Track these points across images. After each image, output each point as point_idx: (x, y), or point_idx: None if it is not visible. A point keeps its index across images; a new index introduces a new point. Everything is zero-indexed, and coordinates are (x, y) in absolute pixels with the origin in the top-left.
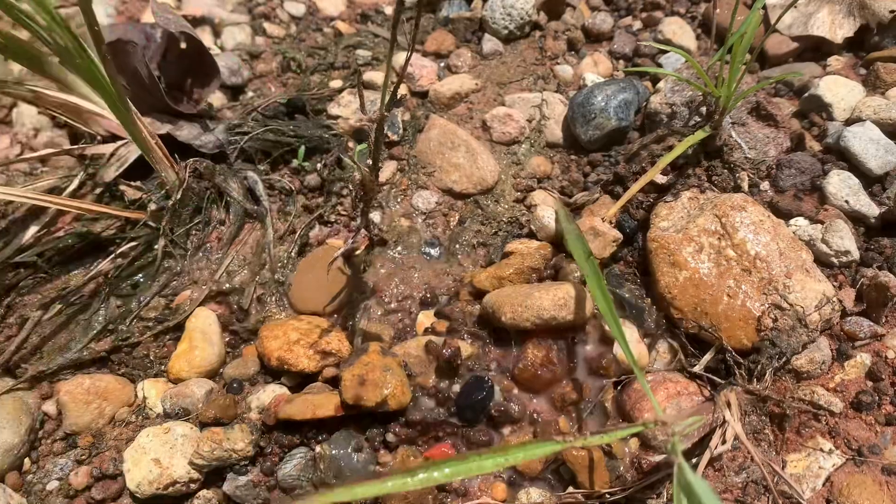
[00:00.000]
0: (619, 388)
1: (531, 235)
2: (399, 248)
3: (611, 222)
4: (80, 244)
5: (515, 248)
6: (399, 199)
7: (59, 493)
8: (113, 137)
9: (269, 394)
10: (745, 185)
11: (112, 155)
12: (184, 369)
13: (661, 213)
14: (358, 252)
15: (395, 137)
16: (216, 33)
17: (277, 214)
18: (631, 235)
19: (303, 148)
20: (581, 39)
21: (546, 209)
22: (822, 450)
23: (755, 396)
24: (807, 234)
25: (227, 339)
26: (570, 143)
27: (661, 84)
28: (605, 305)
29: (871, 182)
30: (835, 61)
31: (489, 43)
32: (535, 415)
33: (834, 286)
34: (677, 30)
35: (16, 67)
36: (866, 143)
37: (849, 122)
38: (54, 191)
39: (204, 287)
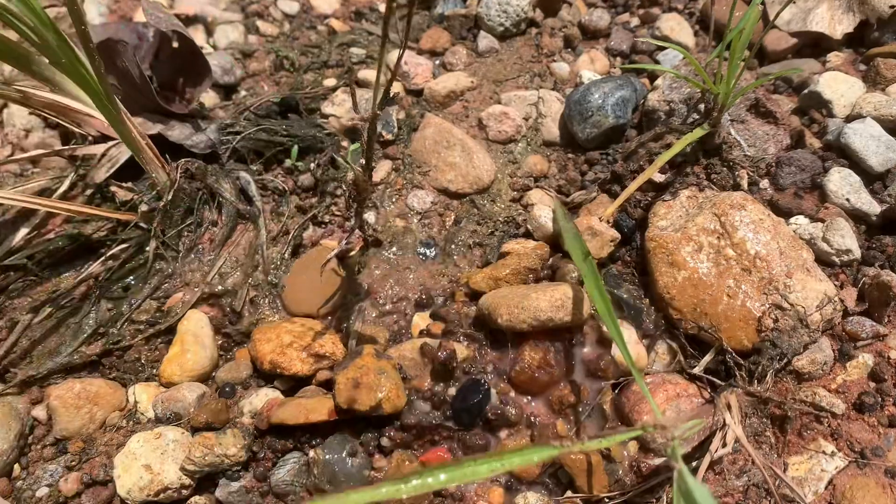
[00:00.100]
0: (617, 390)
1: (528, 235)
2: (394, 249)
3: (608, 222)
4: (71, 246)
5: (512, 248)
6: (394, 199)
7: (49, 499)
8: (104, 138)
9: (262, 398)
10: (745, 184)
11: (103, 156)
12: (175, 373)
13: (659, 212)
14: (352, 253)
15: (389, 136)
16: (209, 32)
17: (270, 215)
18: (629, 235)
19: (296, 147)
20: (578, 36)
21: (543, 208)
22: (824, 452)
23: (756, 398)
24: (807, 233)
25: (219, 342)
26: (567, 141)
27: (658, 81)
28: (602, 306)
29: (872, 179)
30: (834, 57)
31: (485, 40)
32: (532, 418)
33: (835, 286)
34: (675, 26)
35: (6, 68)
36: (867, 139)
37: (849, 119)
38: (45, 192)
39: (196, 289)
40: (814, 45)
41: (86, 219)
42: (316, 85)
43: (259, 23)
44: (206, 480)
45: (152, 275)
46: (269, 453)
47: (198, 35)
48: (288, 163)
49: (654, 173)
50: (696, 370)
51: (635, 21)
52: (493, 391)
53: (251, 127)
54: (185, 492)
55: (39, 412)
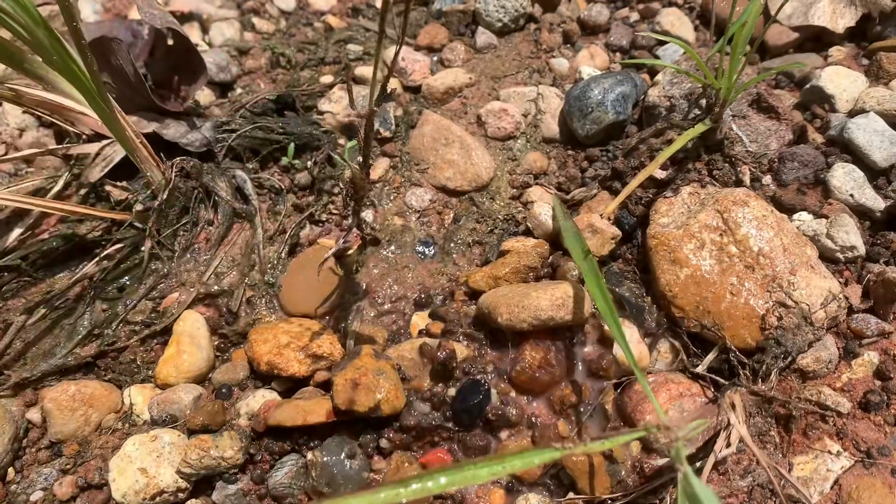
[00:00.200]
0: (619, 389)
1: (528, 233)
2: (392, 248)
3: (609, 219)
4: (65, 246)
5: (512, 246)
6: (392, 197)
7: (44, 503)
8: (98, 137)
9: (259, 399)
10: (747, 180)
11: (97, 155)
12: (171, 374)
13: (660, 208)
14: (350, 252)
15: (387, 133)
16: (204, 29)
17: (267, 214)
18: (630, 232)
19: (292, 145)
20: (577, 32)
21: (543, 206)
22: (829, 452)
23: (760, 397)
24: (811, 230)
25: (215, 343)
26: (566, 137)
27: (659, 77)
28: (604, 305)
29: (876, 175)
30: (836, 51)
31: (483, 36)
32: (533, 418)
33: (840, 283)
34: (675, 21)
35: None
36: (871, 134)
37: (852, 114)
38: (39, 192)
39: (192, 289)
40: (815, 40)
41: (80, 218)
42: (313, 82)
43: (255, 20)
44: (202, 483)
45: (147, 275)
46: (266, 455)
47: (193, 32)
48: (284, 161)
49: (656, 170)
50: (700, 369)
51: (635, 16)
52: (493, 391)
53: (247, 125)
54: (181, 495)
55: (34, 415)
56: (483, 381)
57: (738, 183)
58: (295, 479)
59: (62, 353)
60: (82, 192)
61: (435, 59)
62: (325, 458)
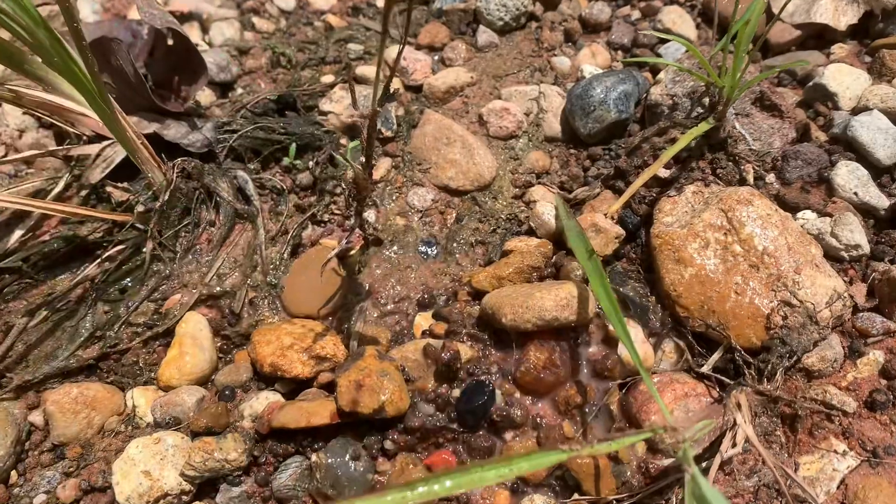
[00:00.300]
0: (623, 389)
1: (531, 233)
2: (395, 248)
3: (613, 218)
4: (66, 248)
5: (515, 246)
6: (394, 197)
7: None
8: (98, 137)
9: (263, 401)
10: (751, 178)
11: (98, 156)
12: (174, 376)
13: (664, 208)
14: (352, 252)
15: (388, 133)
16: (204, 29)
17: (269, 214)
18: (634, 231)
19: (294, 146)
20: (578, 30)
21: (546, 205)
22: (835, 451)
23: (766, 397)
24: (815, 228)
25: (218, 345)
26: (568, 136)
27: (661, 75)
28: (609, 305)
29: (880, 173)
30: (839, 49)
31: (484, 35)
32: (538, 419)
33: (844, 281)
34: (677, 19)
35: None
36: (874, 132)
37: (855, 112)
38: (39, 193)
39: (194, 291)
40: (817, 37)
41: (81, 220)
42: (313, 82)
43: (255, 19)
44: (206, 486)
45: (149, 276)
46: (270, 458)
47: (193, 32)
48: (286, 161)
49: (659, 169)
50: (705, 369)
51: (636, 14)
52: (497, 392)
53: (248, 125)
54: (185, 498)
55: (36, 417)
56: (487, 382)
57: (742, 181)
58: (299, 481)
59: (64, 356)
60: (83, 193)
61: (436, 58)
62: (329, 460)
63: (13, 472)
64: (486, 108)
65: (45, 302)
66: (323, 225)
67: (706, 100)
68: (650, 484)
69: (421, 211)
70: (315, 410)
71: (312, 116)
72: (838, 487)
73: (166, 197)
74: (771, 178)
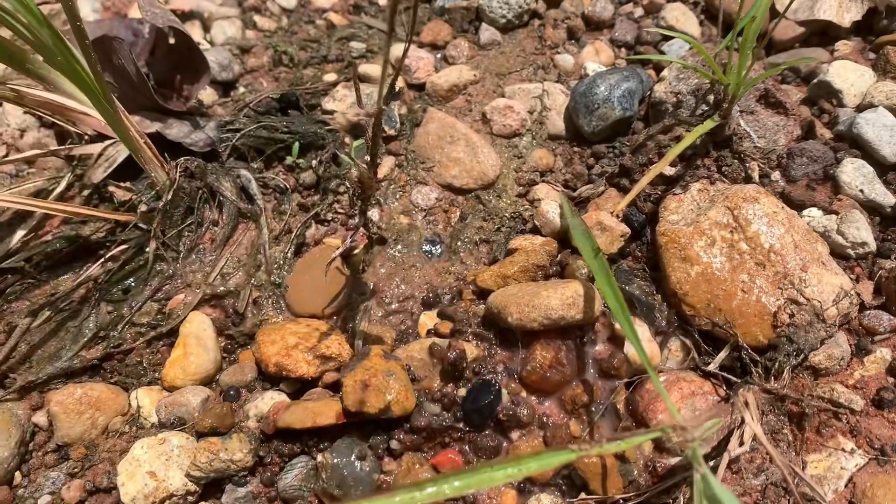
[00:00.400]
0: (630, 388)
1: (535, 231)
2: (399, 247)
3: (618, 216)
4: (69, 248)
5: (519, 244)
6: (398, 196)
7: None
8: (100, 137)
9: (268, 401)
10: (756, 176)
11: (100, 155)
12: (178, 377)
13: (669, 205)
14: (356, 251)
15: (392, 132)
16: (205, 28)
17: (272, 214)
18: (639, 229)
19: (297, 144)
20: (581, 27)
21: (550, 204)
22: (843, 449)
23: (773, 395)
24: (821, 226)
25: (222, 345)
26: (572, 134)
27: (665, 72)
28: (615, 304)
29: (886, 170)
30: (843, 46)
31: (487, 32)
32: (544, 418)
33: (851, 279)
34: (680, 16)
35: None
36: (880, 129)
37: (860, 109)
38: (41, 193)
39: (198, 290)
40: (821, 34)
41: (84, 220)
42: (316, 80)
43: (256, 17)
44: (212, 486)
45: (153, 276)
46: (275, 458)
47: (194, 31)
48: (289, 160)
49: (665, 167)
50: (711, 367)
51: (639, 11)
52: (504, 391)
53: (251, 124)
54: (190, 498)
55: (40, 418)
56: (494, 382)
57: (748, 179)
58: (305, 481)
59: (68, 356)
60: (85, 193)
61: (439, 56)
62: (335, 460)
63: (17, 473)
64: (489, 106)
65: (48, 302)
66: (326, 224)
67: (711, 97)
68: (657, 483)
69: (425, 209)
70: (321, 410)
71: (315, 115)
72: (846, 486)
73: (169, 196)
74: (776, 175)
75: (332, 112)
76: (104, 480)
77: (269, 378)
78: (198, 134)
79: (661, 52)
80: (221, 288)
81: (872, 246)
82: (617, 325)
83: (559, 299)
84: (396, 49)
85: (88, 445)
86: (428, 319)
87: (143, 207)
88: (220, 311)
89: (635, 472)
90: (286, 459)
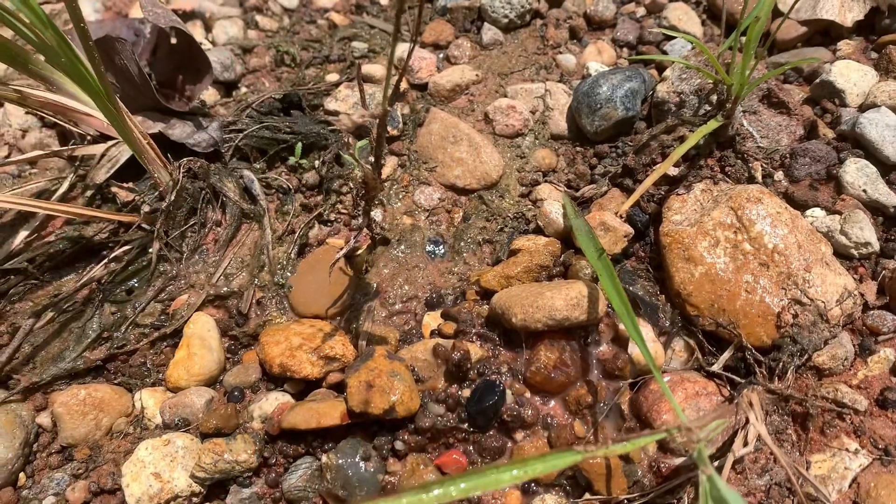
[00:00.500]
0: (634, 389)
1: (538, 231)
2: (402, 247)
3: (622, 217)
4: (72, 249)
5: (523, 244)
6: (401, 196)
7: None
8: (103, 137)
9: (272, 402)
10: (759, 176)
11: (102, 156)
12: (182, 377)
13: (673, 206)
14: (359, 252)
15: (394, 132)
16: (207, 27)
17: (275, 214)
18: (642, 230)
19: (300, 145)
20: (583, 27)
21: (553, 204)
22: (847, 450)
23: (777, 395)
24: (824, 226)
25: (226, 345)
26: (575, 134)
27: (667, 72)
28: (620, 305)
29: (889, 170)
30: (845, 45)
31: (489, 32)
32: (548, 419)
33: (854, 279)
34: (682, 16)
35: (0, 67)
36: (883, 129)
37: (863, 108)
38: (44, 194)
39: (201, 291)
40: (823, 34)
41: (86, 221)
42: (318, 80)
43: (258, 17)
44: (216, 487)
45: (156, 277)
46: (280, 459)
47: (196, 31)
48: (292, 160)
49: (669, 167)
50: (715, 368)
51: (641, 11)
52: (508, 392)
53: (254, 124)
54: (195, 499)
55: (44, 419)
56: (498, 382)
57: (751, 179)
58: (310, 482)
59: (71, 357)
60: (88, 193)
61: (441, 56)
62: (339, 461)
63: (21, 475)
64: (491, 106)
65: (52, 303)
66: (329, 224)
67: (714, 97)
68: (662, 483)
69: (428, 210)
70: (325, 411)
71: (318, 115)
72: (850, 486)
73: (172, 197)
74: (779, 175)
75: (334, 112)
76: (109, 482)
77: (274, 379)
78: (200, 134)
79: (664, 52)
80: (225, 288)
81: (876, 246)
82: (621, 326)
83: (563, 300)
84: (399, 49)
85: (93, 447)
86: (432, 320)
87: (146, 208)
88: (223, 311)
89: (639, 472)
90: (291, 460)
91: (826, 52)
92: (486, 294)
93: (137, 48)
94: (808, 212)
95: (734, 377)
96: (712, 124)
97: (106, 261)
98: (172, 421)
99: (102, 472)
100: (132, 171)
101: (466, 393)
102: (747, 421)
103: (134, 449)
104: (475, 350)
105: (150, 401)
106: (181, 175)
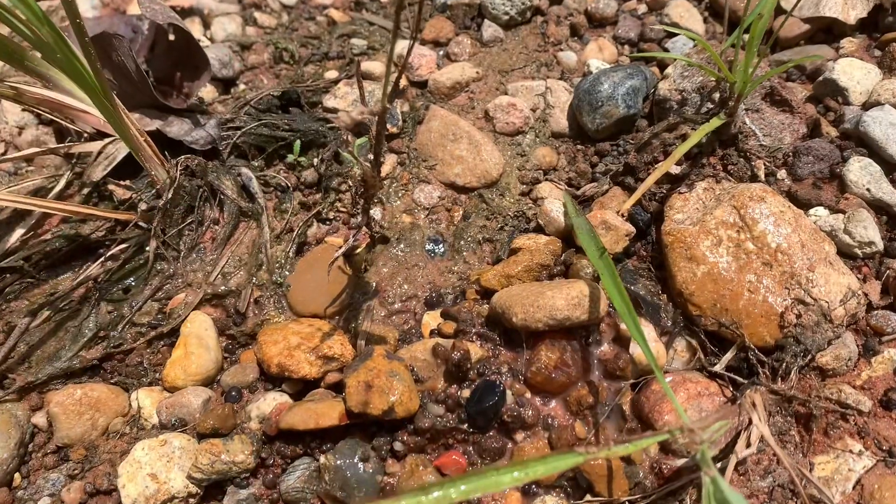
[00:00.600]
0: (636, 389)
1: (539, 230)
2: (401, 246)
3: (623, 215)
4: (69, 247)
5: (523, 243)
6: (400, 194)
7: None
8: (100, 135)
9: (270, 402)
10: (762, 174)
11: (99, 153)
12: (179, 377)
13: (675, 204)
14: (358, 250)
15: (394, 130)
16: (205, 24)
17: (273, 212)
18: (644, 228)
19: (298, 142)
20: (584, 24)
21: (554, 202)
22: (851, 451)
23: (780, 396)
24: (828, 225)
25: (223, 345)
26: (576, 132)
27: (669, 70)
28: (622, 304)
29: (893, 169)
30: (848, 43)
31: (489, 29)
32: (549, 419)
33: (858, 279)
34: (684, 13)
35: None
36: (887, 127)
37: (866, 107)
38: (40, 191)
39: (198, 290)
40: (826, 31)
41: (83, 219)
42: (317, 78)
43: (257, 14)
44: (213, 488)
45: (153, 276)
46: (278, 459)
47: (194, 27)
48: (290, 158)
49: (672, 165)
50: (718, 368)
51: (643, 8)
52: (508, 392)
53: (252, 122)
54: (192, 500)
55: (39, 419)
56: (498, 382)
57: (753, 178)
58: (307, 483)
59: (67, 356)
60: (85, 191)
61: (441, 53)
62: (338, 462)
63: (17, 475)
64: (492, 103)
65: (48, 302)
66: (328, 223)
67: (716, 95)
68: (663, 485)
69: (427, 208)
70: (323, 411)
71: (317, 113)
72: (854, 488)
73: (170, 195)
74: (782, 174)
75: (333, 110)
76: (104, 482)
77: (271, 379)
78: (198, 132)
79: (665, 50)
80: (222, 287)
81: (880, 245)
82: (622, 326)
83: (564, 299)
84: (399, 46)
85: (88, 447)
86: (431, 319)
87: (143, 206)
88: (221, 310)
89: (641, 473)
90: (288, 461)
91: (829, 49)
92: (486, 293)
93: (135, 45)
94: (812, 211)
95: (737, 378)
96: (715, 122)
97: (102, 259)
98: (169, 421)
99: (98, 472)
100: (129, 168)
101: (466, 393)
102: (750, 422)
103: (130, 449)
104: (475, 350)
105: (146, 401)
106: (178, 173)
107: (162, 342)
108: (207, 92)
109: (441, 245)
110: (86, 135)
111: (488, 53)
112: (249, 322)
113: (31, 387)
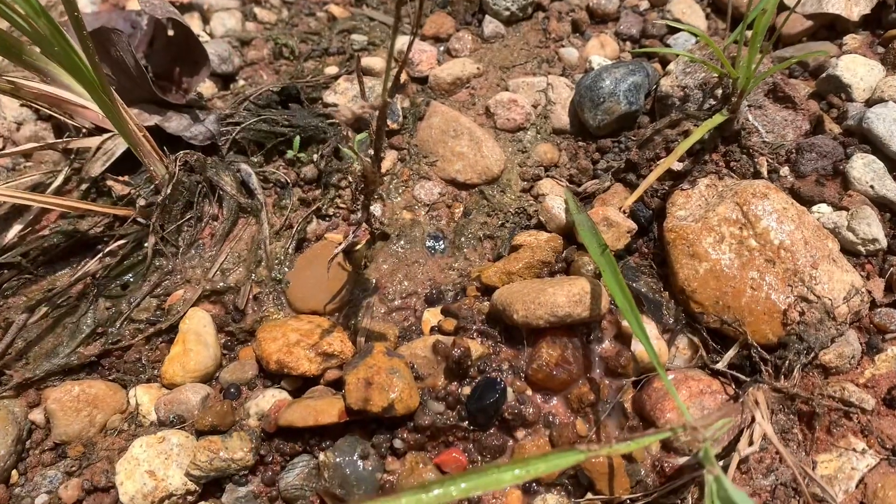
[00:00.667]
0: (637, 387)
1: (540, 227)
2: (402, 242)
3: (625, 212)
4: (67, 243)
5: (524, 240)
6: (400, 191)
7: None
8: (98, 130)
9: (269, 399)
10: (765, 171)
11: (98, 149)
12: (178, 374)
13: (677, 201)
14: (358, 247)
15: (394, 125)
16: (205, 19)
17: (273, 208)
18: (646, 225)
19: (298, 138)
20: (586, 20)
21: (555, 199)
22: (854, 449)
23: (783, 394)
24: (831, 222)
25: (222, 341)
26: (577, 128)
27: (671, 66)
28: (624, 302)
29: None
30: (851, 39)
31: (490, 25)
32: (550, 417)
33: (862, 276)
34: (686, 9)
35: None
36: (890, 124)
37: (870, 103)
38: (38, 187)
39: (197, 286)
40: (829, 28)
41: (81, 214)
42: (317, 73)
43: (256, 9)
44: (212, 486)
45: (152, 272)
46: (277, 457)
47: (194, 23)
48: (290, 154)
49: (674, 162)
50: (720, 365)
51: (645, 4)
52: (509, 390)
53: (251, 117)
54: (190, 498)
55: (37, 416)
56: (499, 380)
57: (756, 174)
58: (307, 480)
59: (65, 353)
60: (83, 187)
61: (441, 48)
62: (337, 459)
63: (14, 472)
64: (493, 99)
65: (46, 298)
66: (328, 219)
67: (718, 91)
68: (665, 483)
69: (428, 205)
70: (323, 408)
71: (316, 108)
72: (857, 486)
73: (168, 191)
74: (785, 170)
75: (333, 105)
76: (102, 479)
77: (270, 375)
78: (197, 127)
79: (667, 46)
80: (221, 284)
81: (883, 242)
82: (624, 323)
83: (565, 296)
84: (400, 41)
85: (86, 444)
86: (432, 316)
87: (141, 202)
88: (220, 307)
89: (643, 471)
90: (287, 458)
91: (832, 46)
92: (486, 290)
93: (134, 40)
94: (815, 207)
95: (739, 375)
96: (717, 119)
97: (101, 255)
98: (167, 418)
99: (96, 469)
100: (128, 164)
101: (467, 390)
102: (753, 420)
103: (128, 446)
104: (476, 347)
105: (144, 397)
106: (177, 168)
107: (160, 339)
108: (206, 87)
109: (441, 242)
110: (84, 130)
111: (489, 49)
112: (248, 319)
113: (29, 383)
